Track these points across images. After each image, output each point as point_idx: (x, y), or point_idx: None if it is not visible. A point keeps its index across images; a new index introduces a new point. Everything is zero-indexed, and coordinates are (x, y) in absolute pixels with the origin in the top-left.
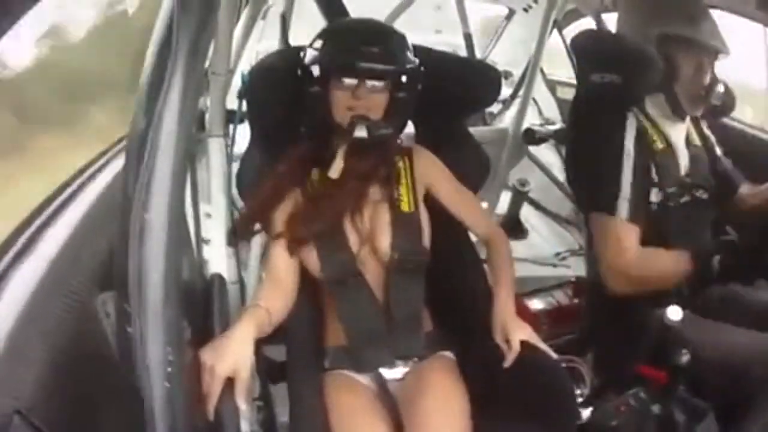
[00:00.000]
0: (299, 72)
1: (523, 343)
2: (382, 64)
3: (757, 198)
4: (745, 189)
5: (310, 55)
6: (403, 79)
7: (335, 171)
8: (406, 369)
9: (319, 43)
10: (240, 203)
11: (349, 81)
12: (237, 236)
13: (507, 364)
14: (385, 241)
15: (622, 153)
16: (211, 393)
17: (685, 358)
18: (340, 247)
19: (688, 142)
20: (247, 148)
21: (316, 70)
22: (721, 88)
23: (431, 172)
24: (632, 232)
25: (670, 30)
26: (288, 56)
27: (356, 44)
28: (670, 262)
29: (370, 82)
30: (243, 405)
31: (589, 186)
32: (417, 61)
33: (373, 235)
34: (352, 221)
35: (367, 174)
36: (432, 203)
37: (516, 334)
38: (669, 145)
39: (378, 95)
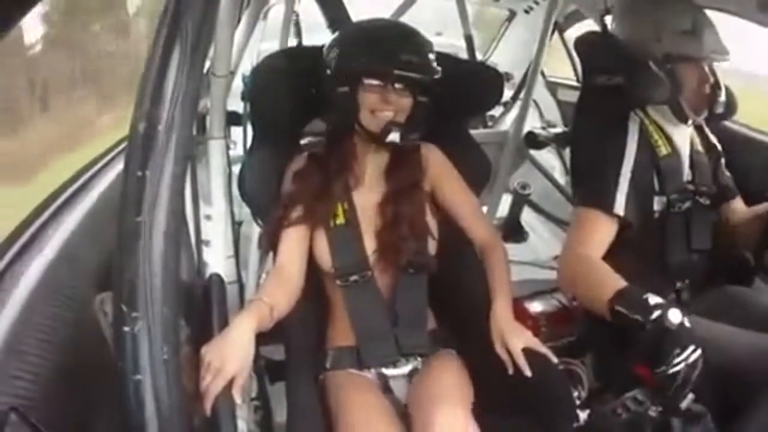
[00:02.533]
0: (328, 71)
1: (523, 348)
2: (419, 73)
3: (746, 215)
4: (736, 204)
5: (340, 54)
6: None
7: (371, 176)
8: (410, 366)
9: (350, 42)
10: (242, 206)
11: (381, 85)
12: (267, 244)
13: (511, 371)
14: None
15: (623, 153)
16: (210, 391)
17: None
18: (354, 243)
19: (692, 147)
20: (249, 149)
21: (346, 71)
22: (723, 95)
23: (440, 172)
24: (609, 235)
25: (675, 50)
26: (290, 57)
27: (396, 50)
28: (601, 278)
29: (398, 86)
30: (239, 399)
31: (588, 183)
32: (440, 67)
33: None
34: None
35: (412, 178)
36: (436, 202)
37: (516, 341)
38: (674, 149)
39: (405, 99)
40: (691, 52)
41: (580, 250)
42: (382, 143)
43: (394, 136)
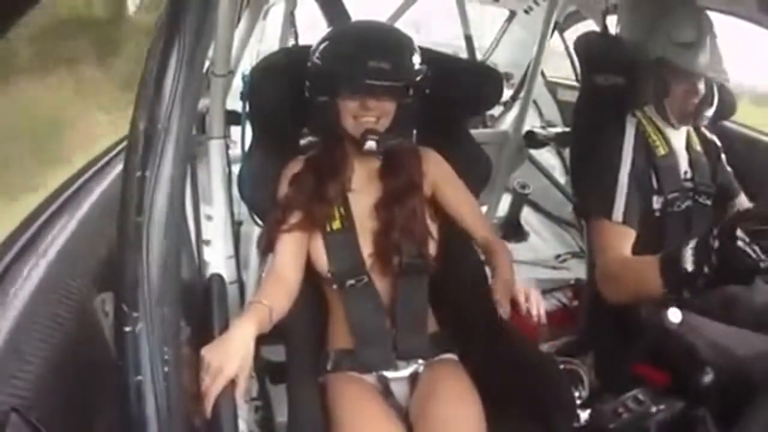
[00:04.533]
0: (307, 82)
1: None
2: (391, 81)
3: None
4: (740, 201)
5: (316, 64)
6: (411, 90)
7: (365, 180)
8: (410, 369)
9: (324, 51)
10: (242, 206)
11: (356, 93)
12: (265, 247)
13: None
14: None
15: (620, 156)
16: (211, 392)
17: (708, 377)
18: (350, 247)
19: (689, 146)
20: (248, 148)
21: (322, 81)
22: (710, 111)
23: (440, 174)
24: (627, 237)
25: (667, 57)
26: (289, 56)
27: (364, 59)
28: (644, 267)
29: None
30: (240, 400)
31: (588, 190)
32: (424, 67)
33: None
34: (365, 223)
35: (407, 181)
36: (436, 205)
37: (521, 290)
38: (671, 149)
39: (386, 103)
40: (681, 63)
41: (610, 255)
42: (362, 150)
43: (370, 145)
